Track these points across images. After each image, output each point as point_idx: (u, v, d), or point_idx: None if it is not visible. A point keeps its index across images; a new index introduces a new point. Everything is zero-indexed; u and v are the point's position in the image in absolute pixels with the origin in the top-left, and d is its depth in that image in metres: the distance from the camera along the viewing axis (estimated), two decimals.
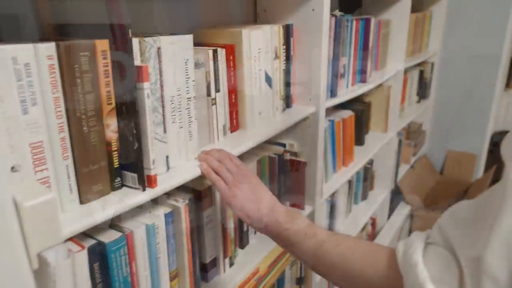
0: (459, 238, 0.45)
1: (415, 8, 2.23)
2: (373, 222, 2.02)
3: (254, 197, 0.72)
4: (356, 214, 1.76)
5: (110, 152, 0.62)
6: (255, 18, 1.15)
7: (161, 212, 0.74)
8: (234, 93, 0.90)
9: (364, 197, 1.85)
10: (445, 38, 2.43)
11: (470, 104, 2.49)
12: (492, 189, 0.45)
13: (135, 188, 0.65)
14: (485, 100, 2.46)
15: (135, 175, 0.64)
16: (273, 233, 0.70)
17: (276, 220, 0.69)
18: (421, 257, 0.49)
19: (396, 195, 2.23)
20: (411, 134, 2.37)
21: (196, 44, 0.77)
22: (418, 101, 2.39)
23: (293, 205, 1.18)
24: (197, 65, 0.79)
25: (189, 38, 0.72)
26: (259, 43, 0.92)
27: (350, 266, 0.59)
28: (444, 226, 0.49)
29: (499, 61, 2.34)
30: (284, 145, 1.14)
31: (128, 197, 0.63)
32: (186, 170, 0.74)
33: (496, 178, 3.01)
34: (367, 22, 1.42)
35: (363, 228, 1.88)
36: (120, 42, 0.59)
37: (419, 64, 2.33)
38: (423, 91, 2.41)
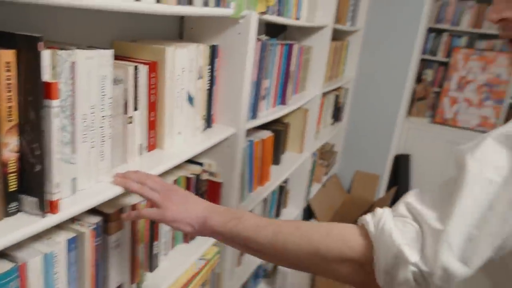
0: (426, 213, 0.53)
1: (334, 37, 2.37)
2: None
3: (188, 204, 0.71)
4: None
5: (6, 174, 0.56)
6: (180, 33, 1.13)
7: (62, 238, 0.68)
8: (153, 112, 0.87)
9: (278, 215, 1.90)
10: (359, 66, 2.62)
11: (377, 128, 2.71)
12: (452, 177, 0.54)
13: (35, 214, 0.59)
14: (389, 126, 2.69)
15: (35, 199, 0.58)
16: (223, 234, 0.67)
17: (222, 220, 0.67)
18: (394, 226, 0.54)
19: (307, 213, 2.33)
20: (324, 155, 2.50)
21: (116, 57, 0.73)
22: (332, 124, 2.54)
23: None
24: (115, 81, 0.75)
25: (109, 54, 0.68)
26: (183, 62, 0.90)
27: (316, 245, 0.59)
28: (412, 203, 0.56)
29: (403, 91, 2.59)
30: (201, 164, 1.13)
31: (24, 224, 0.57)
32: (94, 193, 0.69)
33: (396, 197, 3.30)
34: (290, 48, 1.47)
35: None
36: (29, 54, 0.54)
37: (335, 89, 2.47)
38: (337, 115, 2.56)
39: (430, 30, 3.54)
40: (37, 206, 0.59)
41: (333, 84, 2.25)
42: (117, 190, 0.72)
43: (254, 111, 1.25)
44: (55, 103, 0.57)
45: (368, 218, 0.58)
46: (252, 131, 1.49)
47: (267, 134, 1.49)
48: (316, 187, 2.39)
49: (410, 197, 0.57)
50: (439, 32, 3.52)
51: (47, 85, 0.56)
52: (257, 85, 1.24)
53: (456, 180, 0.52)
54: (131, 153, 0.83)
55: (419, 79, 3.65)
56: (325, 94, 2.26)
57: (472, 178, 0.51)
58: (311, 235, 0.60)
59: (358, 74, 2.65)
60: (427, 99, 3.60)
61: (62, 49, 0.60)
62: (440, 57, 3.55)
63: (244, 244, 0.66)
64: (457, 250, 0.50)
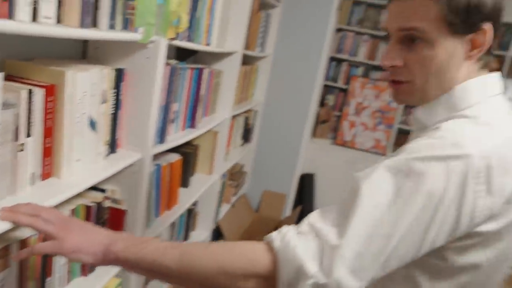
0: (326, 230, 0.60)
1: (244, 62, 2.45)
2: None
3: (88, 233, 0.68)
4: None
5: None
6: (84, 52, 1.07)
7: None
8: (50, 138, 0.81)
9: (186, 238, 1.87)
10: (268, 90, 2.73)
11: (284, 149, 2.83)
12: (348, 198, 0.62)
13: None
14: (295, 146, 2.83)
15: None
16: (128, 260, 0.65)
17: (126, 245, 0.66)
18: (298, 242, 0.59)
19: (216, 234, 2.33)
20: (234, 175, 2.54)
21: (9, 78, 0.67)
22: (242, 145, 2.59)
23: None
24: (5, 105, 0.68)
25: None
26: (85, 86, 0.86)
27: (222, 263, 0.61)
28: (314, 221, 0.62)
29: (307, 114, 2.75)
30: (104, 191, 1.07)
31: None
32: None
33: (302, 215, 3.45)
34: (200, 72, 1.48)
35: None
36: None
37: (245, 111, 2.54)
38: (246, 136, 2.62)
39: (332, 59, 3.84)
40: None
41: (243, 107, 2.30)
42: (4, 226, 0.65)
43: (162, 135, 1.23)
44: None
45: (273, 235, 0.62)
46: (160, 154, 1.46)
47: (175, 157, 1.47)
48: (225, 208, 2.40)
49: (313, 216, 0.63)
50: (339, 61, 3.84)
51: None
52: (166, 109, 1.23)
53: (352, 201, 0.60)
54: (22, 183, 0.76)
55: (322, 103, 3.91)
56: (235, 116, 2.31)
57: (364, 201, 0.59)
58: (217, 254, 0.62)
59: (266, 97, 2.75)
60: (330, 122, 3.87)
61: None
62: (340, 84, 3.86)
63: (150, 269, 0.64)
64: (349, 265, 0.57)
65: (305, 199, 3.46)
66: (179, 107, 1.38)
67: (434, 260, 0.64)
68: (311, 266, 0.57)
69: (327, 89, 3.91)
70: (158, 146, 1.20)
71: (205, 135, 1.86)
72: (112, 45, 1.03)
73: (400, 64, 0.69)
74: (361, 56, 3.76)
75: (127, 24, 0.94)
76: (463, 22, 0.64)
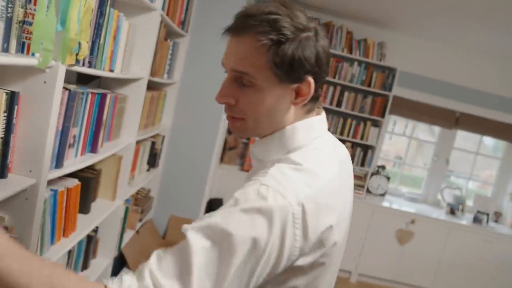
0: (168, 285, 0.61)
1: (152, 87, 2.47)
2: None
3: None
4: None
5: None
6: None
7: None
8: None
9: (85, 266, 1.79)
10: (176, 115, 2.78)
11: (192, 174, 2.87)
12: (178, 246, 0.66)
13: None
14: (203, 172, 2.89)
15: None
16: None
17: None
18: None
19: (120, 261, 2.26)
20: (139, 200, 2.50)
21: None
22: (148, 170, 2.58)
23: None
24: None
25: None
26: None
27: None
28: (154, 272, 0.62)
29: (215, 140, 2.84)
30: None
31: None
32: None
33: None
34: (103, 97, 1.49)
35: None
36: None
37: (151, 136, 2.55)
38: (153, 161, 2.62)
39: None
40: None
41: (150, 132, 2.32)
42: None
43: (59, 160, 1.21)
44: None
45: (115, 281, 0.62)
46: (57, 179, 1.42)
47: (74, 182, 1.43)
48: (129, 234, 2.35)
49: (153, 264, 0.64)
50: None
51: None
52: (64, 133, 1.21)
53: (183, 250, 0.64)
54: None
55: (230, 131, 4.04)
56: (141, 141, 2.31)
57: (199, 247, 0.63)
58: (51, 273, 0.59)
59: (174, 123, 2.79)
60: (237, 148, 4.01)
61: None
62: None
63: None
64: None
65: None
66: (79, 131, 1.36)
67: None
68: None
69: None
70: (54, 171, 1.18)
71: (109, 160, 1.84)
72: (6, 68, 1.01)
73: (232, 103, 0.76)
74: None
75: (23, 48, 0.94)
76: (288, 74, 0.72)
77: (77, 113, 1.30)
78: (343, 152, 0.85)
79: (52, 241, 1.35)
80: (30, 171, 1.05)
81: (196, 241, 0.63)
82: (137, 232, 2.48)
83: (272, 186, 0.67)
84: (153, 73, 2.01)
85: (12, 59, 0.87)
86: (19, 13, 0.90)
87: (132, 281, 0.62)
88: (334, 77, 4.07)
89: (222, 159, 3.84)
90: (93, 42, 1.25)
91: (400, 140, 4.75)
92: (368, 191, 4.37)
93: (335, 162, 0.78)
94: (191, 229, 0.65)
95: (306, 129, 0.78)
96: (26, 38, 0.94)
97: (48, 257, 1.28)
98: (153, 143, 2.55)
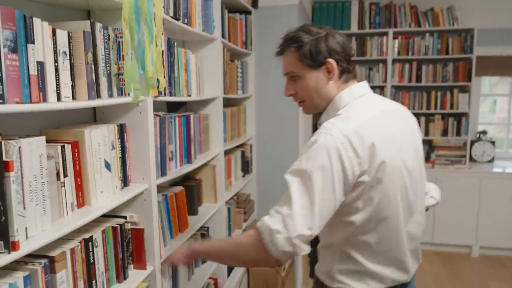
0: (281, 209, 1.03)
1: (232, 103, 2.84)
2: (215, 282, 2.33)
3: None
4: (197, 276, 2.06)
5: None
6: (94, 117, 1.46)
7: (20, 274, 0.93)
8: (79, 177, 1.17)
9: (203, 260, 2.17)
10: (258, 125, 3.11)
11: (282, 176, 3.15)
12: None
13: (1, 253, 0.85)
14: None
15: (1, 242, 0.85)
16: (202, 253, 1.26)
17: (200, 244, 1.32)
18: (268, 221, 1.04)
19: None
20: (241, 203, 2.85)
21: (47, 141, 1.04)
22: (243, 176, 2.93)
23: (136, 266, 1.43)
24: (49, 157, 1.05)
25: (42, 139, 1.00)
26: (98, 139, 1.23)
27: (238, 247, 1.13)
28: (275, 208, 1.05)
29: (297, 138, 3.09)
30: (125, 217, 1.41)
31: None
32: (41, 238, 0.96)
33: None
34: (187, 118, 1.86)
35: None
36: None
37: (240, 146, 2.90)
38: (246, 168, 2.96)
39: None
40: (3, 246, 0.85)
41: (236, 142, 2.67)
42: (57, 235, 1.00)
43: (163, 170, 1.59)
44: (12, 174, 0.86)
45: (258, 223, 1.06)
46: (167, 187, 1.81)
47: (179, 189, 1.81)
48: (237, 232, 2.70)
49: (276, 206, 1.06)
50: None
51: (6, 163, 0.86)
52: (162, 149, 1.59)
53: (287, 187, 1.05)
54: (65, 210, 1.11)
55: (315, 128, 4.26)
56: (231, 151, 2.67)
57: (292, 183, 1.04)
58: (232, 241, 1.25)
59: (258, 131, 3.12)
60: None
61: (10, 139, 0.91)
62: None
63: (210, 256, 1.29)
64: (303, 224, 1.00)
65: None
66: (175, 147, 1.74)
67: (344, 208, 1.09)
68: (276, 226, 1.00)
69: (318, 115, 4.26)
70: (161, 178, 1.56)
71: (205, 170, 2.22)
72: (113, 108, 1.42)
73: (294, 93, 1.22)
74: None
75: (121, 92, 1.33)
76: (313, 62, 1.14)
77: (169, 133, 1.68)
78: (390, 105, 1.19)
79: (171, 236, 1.73)
80: (143, 178, 1.44)
81: (290, 179, 1.05)
82: (245, 230, 2.83)
83: (322, 132, 1.05)
84: (226, 91, 2.36)
85: (116, 99, 1.26)
86: (114, 68, 1.29)
87: (265, 217, 1.06)
88: (407, 54, 4.04)
89: None
90: (169, 77, 1.62)
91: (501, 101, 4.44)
92: (472, 160, 4.17)
93: (374, 109, 1.12)
94: (287, 174, 1.08)
95: (347, 93, 1.16)
96: (122, 84, 1.33)
97: (169, 247, 1.66)
98: (242, 152, 2.90)
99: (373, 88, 4.25)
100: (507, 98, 4.32)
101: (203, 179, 2.21)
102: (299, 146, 3.11)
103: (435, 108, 4.05)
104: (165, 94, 1.56)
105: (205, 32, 2.01)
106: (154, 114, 1.50)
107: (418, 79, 4.06)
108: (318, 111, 1.22)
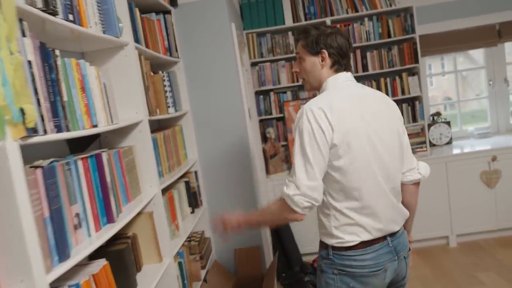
0: (291, 177, 1.32)
1: (163, 126, 2.27)
2: None
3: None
4: None
5: None
6: None
7: None
8: None
9: None
10: (200, 147, 2.56)
11: (241, 199, 2.62)
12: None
13: None
14: (251, 192, 2.63)
15: None
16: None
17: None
18: (285, 189, 1.31)
19: None
20: (194, 248, 2.28)
21: None
22: (192, 212, 2.36)
23: None
24: None
25: None
26: None
27: (275, 215, 1.37)
28: (288, 178, 1.33)
29: (250, 157, 2.59)
30: None
31: None
32: None
33: (284, 259, 3.21)
34: (98, 159, 1.28)
35: None
36: None
37: (183, 176, 2.34)
38: (194, 201, 2.40)
39: (258, 93, 3.76)
40: None
41: (178, 173, 2.11)
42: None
43: (61, 251, 0.99)
44: None
45: (282, 193, 1.31)
46: (80, 266, 1.21)
47: (99, 265, 1.22)
48: (197, 286, 2.13)
49: (288, 177, 1.33)
50: (266, 93, 3.77)
51: None
52: (55, 218, 1.00)
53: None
54: None
55: (265, 139, 3.79)
56: (172, 186, 2.10)
57: (295, 155, 1.31)
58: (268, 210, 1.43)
59: (201, 154, 2.57)
60: (279, 153, 3.73)
61: None
62: (275, 114, 3.77)
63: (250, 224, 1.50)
64: (307, 179, 1.27)
65: (283, 236, 3.24)
66: (83, 207, 1.15)
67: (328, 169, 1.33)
68: (292, 191, 1.27)
69: (264, 123, 3.81)
70: (59, 266, 0.96)
71: (139, 221, 1.63)
72: None
73: (298, 70, 1.50)
74: (284, 81, 3.72)
75: None
76: (312, 49, 1.42)
77: (69, 189, 1.09)
78: (367, 91, 1.44)
79: None
80: (22, 281, 0.84)
81: (294, 153, 1.31)
82: (205, 281, 2.26)
83: (305, 107, 1.33)
84: (152, 111, 1.80)
85: None
86: None
87: (283, 187, 1.32)
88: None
89: (268, 171, 3.58)
90: (52, 103, 1.03)
91: (443, 80, 4.28)
92: (432, 144, 3.93)
93: (350, 91, 1.39)
94: (293, 152, 1.33)
95: (333, 79, 1.42)
96: None
97: None
98: (187, 183, 2.34)
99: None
100: (448, 77, 4.15)
101: (139, 234, 1.62)
102: (254, 166, 2.61)
103: (387, 95, 3.75)
104: (45, 131, 0.97)
105: (108, 35, 1.45)
106: (31, 167, 0.91)
107: (365, 67, 3.74)
108: (312, 90, 1.51)
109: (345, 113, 1.30)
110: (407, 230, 1.57)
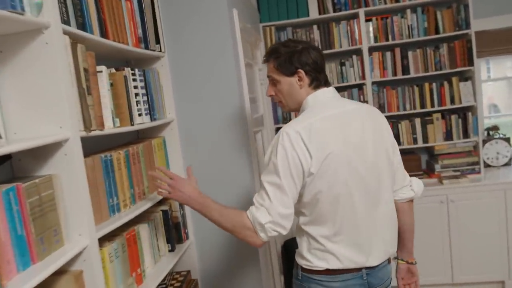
0: (263, 202, 1.27)
1: (143, 137, 1.76)
2: None
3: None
4: None
5: None
6: None
7: None
8: None
9: None
10: (187, 165, 2.02)
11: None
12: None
13: None
14: None
15: None
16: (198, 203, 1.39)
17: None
18: (256, 213, 1.26)
19: None
20: None
21: None
22: (172, 249, 1.84)
23: None
24: None
25: None
26: None
27: (235, 226, 1.30)
28: (258, 200, 1.30)
29: (252, 175, 2.03)
30: None
31: None
32: None
33: None
34: None
35: None
36: None
37: (160, 203, 1.82)
38: (176, 235, 1.88)
39: None
40: None
41: (150, 201, 1.60)
42: None
43: None
44: None
45: (249, 215, 1.28)
46: None
47: None
48: None
49: (256, 197, 1.30)
50: None
51: None
52: None
53: (262, 186, 1.31)
54: None
55: None
56: (142, 218, 1.58)
57: (265, 176, 1.29)
58: (228, 221, 1.33)
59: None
60: None
61: None
62: None
63: (205, 211, 1.37)
64: (281, 206, 1.24)
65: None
66: None
67: (301, 191, 1.29)
68: (264, 219, 1.23)
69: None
70: None
71: (60, 285, 1.11)
72: None
73: (273, 94, 1.44)
74: None
75: None
76: (286, 70, 1.37)
77: None
78: (351, 106, 1.37)
79: None
80: None
81: (264, 175, 1.29)
82: None
83: (282, 131, 1.27)
84: (95, 123, 1.27)
85: None
86: None
87: (252, 207, 1.29)
88: (386, 40, 3.09)
89: None
90: None
91: (488, 86, 3.55)
92: (486, 165, 3.23)
93: (330, 110, 1.33)
94: (262, 174, 1.30)
95: (312, 98, 1.37)
96: None
97: None
98: (165, 213, 1.81)
99: (349, 87, 3.28)
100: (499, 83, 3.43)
101: None
102: (255, 180, 2.05)
103: (432, 106, 3.08)
104: None
105: (6, 11, 0.93)
106: None
107: (405, 70, 3.09)
108: (292, 111, 1.46)
109: (325, 137, 1.26)
110: (408, 252, 1.54)
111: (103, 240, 1.35)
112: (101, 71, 1.38)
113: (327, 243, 1.30)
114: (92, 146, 1.40)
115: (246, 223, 1.27)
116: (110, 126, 1.40)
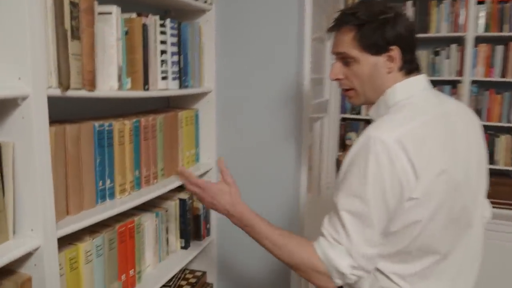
0: (342, 239, 0.91)
1: (174, 107, 1.43)
2: None
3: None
4: None
5: None
6: None
7: None
8: None
9: None
10: (220, 146, 1.66)
11: (278, 221, 1.69)
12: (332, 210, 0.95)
13: None
14: (297, 218, 1.68)
15: None
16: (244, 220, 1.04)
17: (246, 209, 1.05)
18: (330, 250, 0.91)
19: None
20: None
21: None
22: (185, 246, 1.51)
23: None
24: None
25: None
26: None
27: (298, 264, 0.96)
28: (332, 234, 0.92)
29: (300, 170, 1.62)
30: None
31: None
32: None
33: None
34: None
35: None
36: None
37: (177, 189, 1.49)
38: (195, 229, 1.55)
39: None
40: None
41: (163, 187, 1.28)
42: None
43: None
44: None
45: (320, 255, 0.92)
46: None
47: None
48: None
49: (327, 228, 0.93)
50: None
51: None
52: None
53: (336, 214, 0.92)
54: None
55: (343, 146, 2.77)
56: (151, 206, 1.27)
57: (344, 205, 0.90)
58: (286, 236, 0.99)
59: (222, 154, 1.67)
60: None
61: None
62: (364, 114, 2.72)
63: (249, 230, 1.03)
64: (366, 245, 0.89)
65: None
66: None
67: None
68: (345, 268, 0.89)
69: (347, 125, 2.78)
70: None
71: None
72: None
73: (342, 77, 1.01)
74: None
75: None
76: (373, 48, 0.94)
77: None
78: (451, 106, 0.99)
79: None
80: None
81: (341, 202, 0.91)
82: None
83: (372, 136, 0.86)
84: (63, 80, 0.92)
85: None
86: None
87: (325, 242, 0.93)
88: (500, 30, 2.45)
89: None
90: None
91: None
92: None
93: (431, 110, 0.94)
94: (337, 197, 0.92)
95: (402, 88, 0.96)
96: None
97: None
98: (183, 202, 1.49)
99: (440, 83, 2.61)
100: None
101: None
102: (302, 173, 1.63)
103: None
104: None
105: None
106: None
107: None
108: (367, 103, 1.04)
109: (432, 150, 0.88)
110: None
111: (83, 234, 1.04)
112: (110, 13, 1.04)
113: (404, 284, 0.97)
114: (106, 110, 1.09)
115: (317, 266, 0.93)
116: (114, 87, 1.06)
